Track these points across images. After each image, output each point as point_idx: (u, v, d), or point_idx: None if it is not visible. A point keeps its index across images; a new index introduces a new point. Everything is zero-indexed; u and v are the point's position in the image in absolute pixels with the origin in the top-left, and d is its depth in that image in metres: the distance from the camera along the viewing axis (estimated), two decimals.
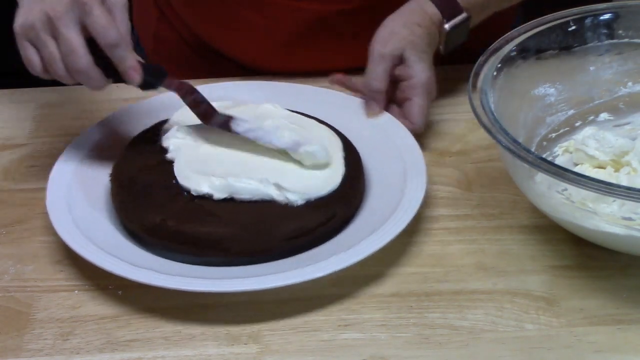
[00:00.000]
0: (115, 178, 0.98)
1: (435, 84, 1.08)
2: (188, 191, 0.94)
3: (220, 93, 1.09)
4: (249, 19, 1.19)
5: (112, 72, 0.94)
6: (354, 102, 1.10)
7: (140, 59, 0.95)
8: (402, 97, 1.07)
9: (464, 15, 1.09)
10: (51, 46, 0.92)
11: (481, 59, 0.97)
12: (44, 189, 1.02)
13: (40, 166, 1.07)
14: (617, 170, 0.97)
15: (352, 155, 1.01)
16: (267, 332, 0.88)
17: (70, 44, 0.91)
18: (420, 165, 1.00)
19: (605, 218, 0.88)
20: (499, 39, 0.99)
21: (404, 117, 1.07)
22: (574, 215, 0.89)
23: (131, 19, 0.96)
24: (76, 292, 0.92)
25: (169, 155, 0.98)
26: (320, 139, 1.00)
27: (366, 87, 1.08)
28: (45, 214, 0.98)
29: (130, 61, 0.93)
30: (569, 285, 0.91)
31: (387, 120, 1.07)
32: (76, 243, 0.92)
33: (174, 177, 0.95)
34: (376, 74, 1.07)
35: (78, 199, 0.98)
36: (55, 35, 0.92)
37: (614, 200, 0.89)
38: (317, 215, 0.94)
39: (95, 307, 0.91)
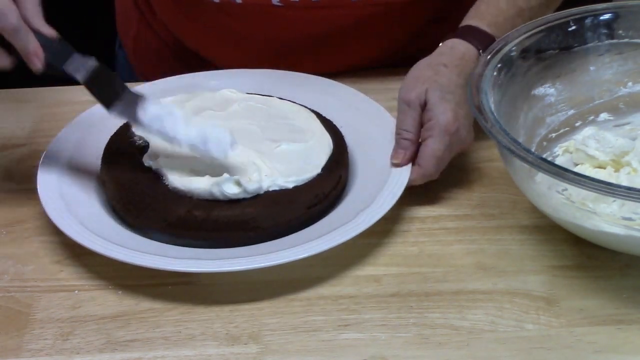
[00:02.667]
0: (111, 182, 0.98)
1: (465, 128, 0.99)
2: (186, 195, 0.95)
3: (191, 82, 1.11)
4: (228, 26, 1.18)
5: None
6: (340, 89, 1.11)
7: (54, 32, 0.92)
8: (422, 139, 1.00)
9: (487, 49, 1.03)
10: None
11: (481, 59, 0.97)
12: None
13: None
14: (617, 170, 0.97)
15: (330, 126, 1.03)
16: (267, 332, 0.88)
17: None
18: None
19: (605, 218, 0.88)
20: (499, 39, 0.99)
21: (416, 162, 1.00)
22: (574, 215, 0.89)
23: (113, 21, 0.95)
24: (76, 292, 0.92)
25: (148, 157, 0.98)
26: (289, 112, 1.03)
27: (396, 136, 1.01)
28: (45, 214, 0.98)
29: (30, 46, 0.90)
30: (569, 285, 0.91)
31: (370, 106, 1.08)
32: (66, 224, 0.94)
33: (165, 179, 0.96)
34: (403, 123, 1.00)
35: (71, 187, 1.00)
36: None
37: (614, 200, 0.89)
38: (328, 181, 0.97)
39: (95, 307, 0.91)
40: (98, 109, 0.97)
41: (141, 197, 0.96)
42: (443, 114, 0.98)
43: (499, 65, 0.96)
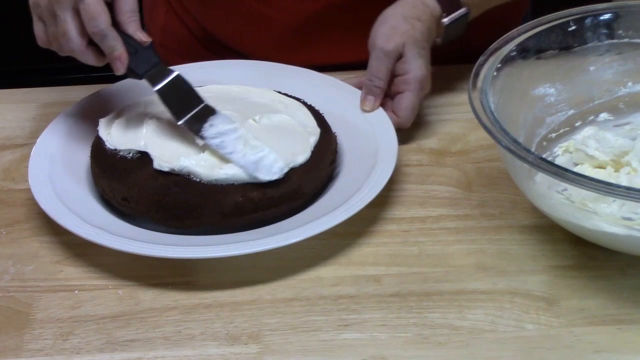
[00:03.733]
0: (139, 196, 0.96)
1: (430, 81, 1.08)
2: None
3: (196, 73, 1.10)
4: (256, 11, 1.19)
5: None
6: (331, 82, 1.12)
7: (146, 39, 0.98)
8: (395, 90, 1.07)
9: (463, 10, 1.09)
10: (52, 25, 0.96)
11: (481, 59, 0.97)
12: None
13: None
14: (617, 170, 0.96)
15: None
16: (267, 332, 0.88)
17: (63, 27, 0.95)
18: (392, 135, 1.04)
19: (605, 218, 0.88)
20: (499, 39, 0.99)
21: (392, 111, 1.07)
22: (574, 215, 0.89)
23: (141, 12, 0.98)
24: (76, 292, 0.92)
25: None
26: (249, 93, 1.06)
27: (367, 82, 1.08)
28: (45, 214, 0.98)
29: (116, 52, 0.96)
30: (569, 285, 0.91)
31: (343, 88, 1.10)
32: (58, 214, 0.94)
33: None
34: (378, 71, 1.07)
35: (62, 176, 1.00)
36: (54, 16, 0.95)
37: (614, 200, 0.89)
38: (330, 139, 1.02)
39: (95, 307, 0.91)
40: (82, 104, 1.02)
41: (182, 202, 0.95)
42: (419, 69, 1.06)
43: (499, 65, 0.96)
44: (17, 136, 1.12)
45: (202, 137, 0.97)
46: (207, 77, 1.10)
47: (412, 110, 1.06)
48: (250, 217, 0.96)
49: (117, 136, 1.00)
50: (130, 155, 0.98)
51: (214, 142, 0.97)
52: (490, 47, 0.98)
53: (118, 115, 1.04)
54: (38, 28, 0.98)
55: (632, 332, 0.87)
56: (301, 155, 0.98)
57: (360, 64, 1.13)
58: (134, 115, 1.03)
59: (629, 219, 0.88)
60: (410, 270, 0.94)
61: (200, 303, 0.90)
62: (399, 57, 1.06)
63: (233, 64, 1.16)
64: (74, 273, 0.94)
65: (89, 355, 0.86)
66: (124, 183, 0.97)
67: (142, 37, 0.98)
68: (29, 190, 1.01)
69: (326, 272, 0.93)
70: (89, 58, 0.98)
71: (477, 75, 0.94)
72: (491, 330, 0.87)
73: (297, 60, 1.18)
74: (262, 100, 1.06)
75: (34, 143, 1.03)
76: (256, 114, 1.02)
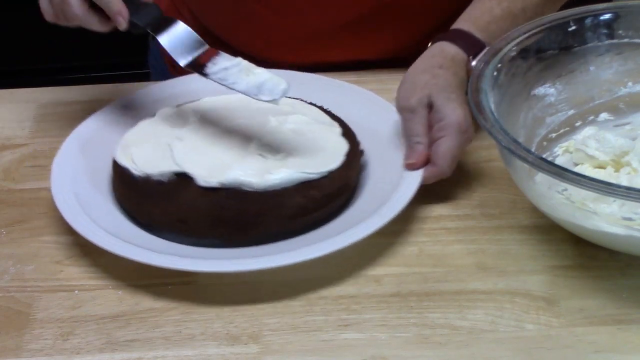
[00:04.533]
0: (196, 212, 0.95)
1: (472, 125, 0.99)
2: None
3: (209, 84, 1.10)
4: (259, 14, 1.19)
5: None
6: (355, 91, 1.11)
7: None
8: (433, 140, 0.99)
9: (487, 49, 1.04)
10: None
11: (481, 59, 0.97)
12: (44, 189, 1.02)
13: (40, 166, 1.07)
14: (617, 170, 0.96)
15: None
16: (267, 332, 0.88)
17: None
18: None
19: (605, 218, 0.88)
20: (499, 39, 0.99)
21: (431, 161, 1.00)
22: (574, 215, 0.89)
23: None
24: (76, 292, 0.92)
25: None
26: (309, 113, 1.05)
27: (407, 146, 1.00)
28: (45, 214, 0.99)
29: (114, 6, 0.97)
30: (569, 285, 0.91)
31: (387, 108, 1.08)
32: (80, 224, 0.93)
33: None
34: (412, 130, 1.00)
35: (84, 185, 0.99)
36: None
37: (614, 200, 0.89)
38: (354, 139, 1.02)
39: (95, 307, 0.91)
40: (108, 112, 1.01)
41: (241, 213, 0.94)
42: (453, 112, 0.98)
43: (499, 65, 0.96)
44: (17, 136, 1.12)
45: (205, 75, 0.97)
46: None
47: (450, 156, 0.98)
48: (312, 217, 0.95)
49: (143, 161, 0.97)
50: (167, 178, 0.96)
51: (217, 76, 0.97)
52: (490, 47, 0.98)
53: (132, 140, 1.01)
54: (43, 3, 1.00)
55: (632, 332, 0.87)
56: (343, 146, 0.99)
57: (359, 64, 1.13)
58: (151, 137, 1.01)
59: (629, 219, 0.88)
60: (410, 270, 0.94)
61: (200, 303, 0.90)
62: (429, 109, 1.00)
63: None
64: (74, 273, 0.94)
65: (89, 355, 0.86)
66: (175, 205, 0.95)
67: None
68: (29, 190, 1.02)
69: (326, 272, 0.93)
70: (93, 23, 0.99)
71: (477, 75, 0.94)
72: (491, 330, 0.87)
73: (299, 61, 1.18)
74: (265, 105, 1.05)
75: (33, 143, 1.03)
76: (270, 116, 1.02)
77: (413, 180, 0.98)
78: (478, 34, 1.04)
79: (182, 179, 0.95)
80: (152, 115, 1.04)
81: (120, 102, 1.10)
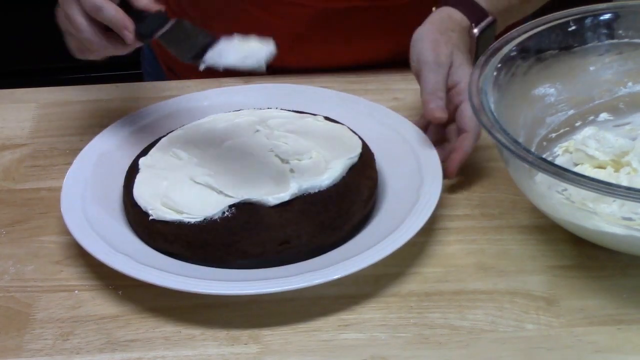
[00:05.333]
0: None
1: None
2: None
3: (232, 97, 1.09)
4: (255, 17, 1.19)
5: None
6: (366, 105, 1.09)
7: (153, 5, 0.96)
8: (453, 104, 1.02)
9: (490, 18, 1.07)
10: (71, 29, 0.96)
11: (481, 59, 0.97)
12: (44, 189, 1.02)
13: (40, 166, 1.07)
14: (617, 171, 0.97)
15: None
16: (267, 332, 0.88)
17: (75, 23, 0.95)
18: (437, 171, 0.99)
19: (605, 218, 0.88)
20: (499, 39, 0.99)
21: (457, 125, 1.02)
22: (574, 215, 0.89)
23: None
24: (76, 292, 0.92)
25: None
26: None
27: (428, 96, 1.01)
28: (45, 214, 0.99)
29: (118, 22, 0.94)
30: (569, 285, 0.91)
31: (401, 123, 1.06)
32: (86, 239, 0.92)
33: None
34: (437, 82, 1.01)
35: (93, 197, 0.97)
36: (70, 19, 0.96)
37: (614, 200, 0.89)
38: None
39: (95, 307, 0.91)
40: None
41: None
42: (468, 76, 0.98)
43: (499, 65, 0.96)
44: (17, 136, 1.12)
45: (203, 62, 0.95)
46: (233, 99, 1.10)
47: (475, 121, 0.97)
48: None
49: (191, 207, 0.94)
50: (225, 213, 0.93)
51: (211, 61, 0.94)
52: (490, 47, 0.98)
53: (164, 190, 0.97)
54: (69, 41, 0.99)
55: (632, 332, 0.87)
56: (356, 147, 0.99)
57: (358, 66, 1.13)
58: (169, 174, 0.98)
59: (629, 219, 0.88)
60: (410, 270, 0.94)
61: (200, 303, 0.90)
62: (450, 66, 1.02)
63: (249, 89, 1.13)
64: (74, 273, 0.94)
65: (89, 355, 0.86)
66: (268, 233, 0.93)
67: (153, 6, 0.96)
68: (29, 190, 1.02)
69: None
70: (109, 46, 0.96)
71: (477, 75, 0.94)
72: (491, 330, 0.87)
73: (296, 65, 1.18)
74: (276, 115, 1.05)
75: (33, 143, 1.03)
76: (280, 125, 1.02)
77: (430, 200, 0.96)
78: (482, 2, 1.06)
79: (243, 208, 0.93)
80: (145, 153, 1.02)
81: (125, 123, 1.08)
